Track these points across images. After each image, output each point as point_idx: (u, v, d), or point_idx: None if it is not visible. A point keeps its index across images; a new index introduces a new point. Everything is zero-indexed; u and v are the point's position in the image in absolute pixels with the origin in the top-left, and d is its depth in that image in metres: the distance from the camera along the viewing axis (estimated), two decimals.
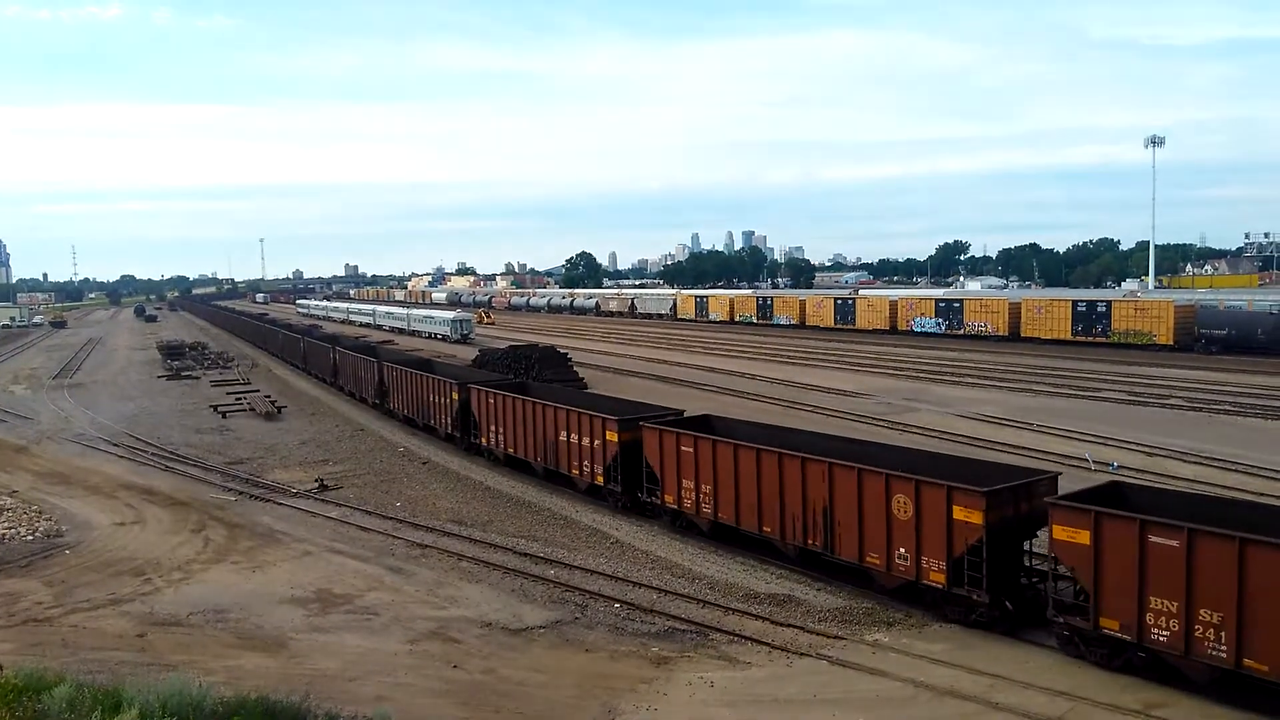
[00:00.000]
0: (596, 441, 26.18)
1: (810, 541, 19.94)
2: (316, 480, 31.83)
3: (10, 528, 26.59)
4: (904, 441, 31.20)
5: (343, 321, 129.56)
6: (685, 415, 26.76)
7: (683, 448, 23.01)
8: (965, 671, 15.73)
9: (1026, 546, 17.59)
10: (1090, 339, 67.04)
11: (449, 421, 35.58)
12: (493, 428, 32.03)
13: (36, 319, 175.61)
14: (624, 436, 25.12)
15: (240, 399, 52.96)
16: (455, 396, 34.75)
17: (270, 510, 28.63)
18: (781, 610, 18.88)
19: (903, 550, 18.00)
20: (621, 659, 16.89)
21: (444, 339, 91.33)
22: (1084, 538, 15.29)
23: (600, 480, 26.30)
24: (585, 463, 26.87)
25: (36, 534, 26.16)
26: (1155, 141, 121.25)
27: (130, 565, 23.22)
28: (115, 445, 40.29)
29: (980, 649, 16.66)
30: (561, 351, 57.78)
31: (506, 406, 31.12)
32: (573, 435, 27.18)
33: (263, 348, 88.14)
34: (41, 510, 28.69)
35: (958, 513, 16.94)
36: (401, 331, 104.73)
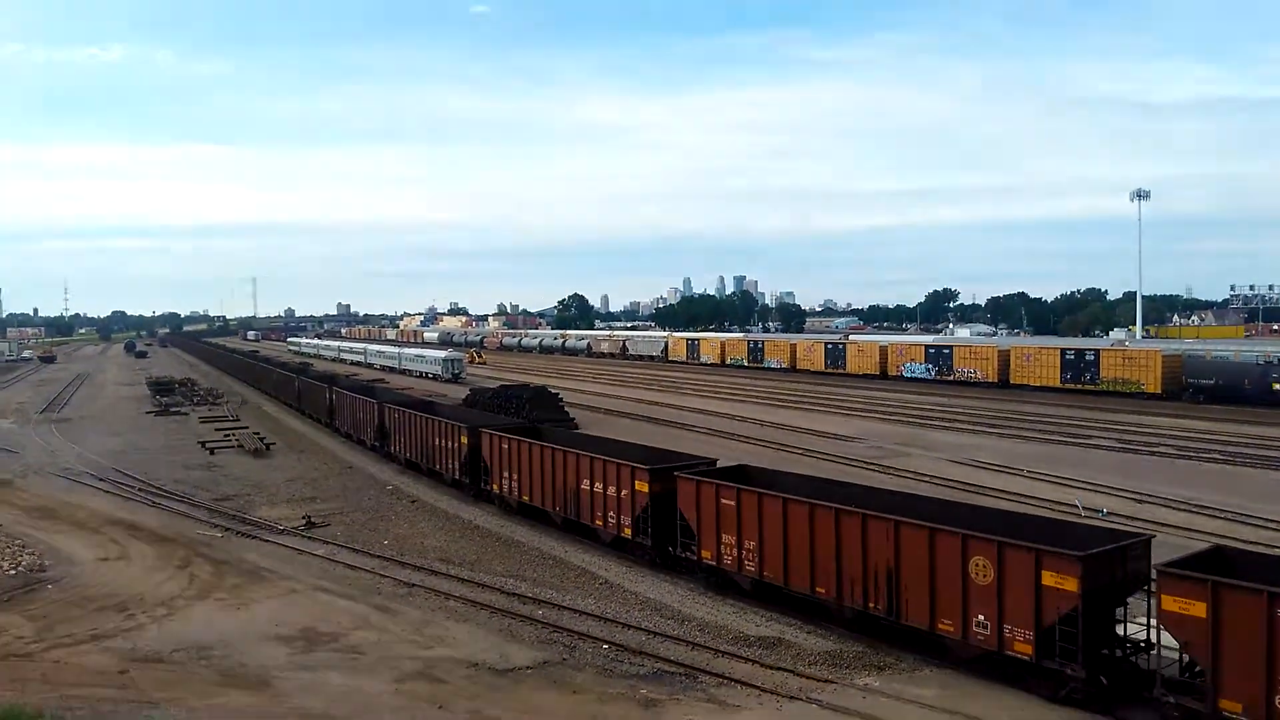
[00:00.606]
0: (624, 491, 24.62)
1: (872, 605, 18.42)
2: (304, 517, 31.61)
3: None
4: (896, 485, 31.27)
5: (334, 360, 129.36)
6: (718, 465, 25.36)
7: (723, 500, 21.47)
8: (957, 717, 15.62)
9: (1117, 615, 16.14)
10: (1079, 386, 67.42)
11: (456, 466, 34.03)
12: (506, 474, 30.54)
13: (25, 353, 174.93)
14: (655, 487, 23.63)
15: (229, 435, 52.70)
16: (464, 440, 33.26)
17: (257, 547, 28.39)
18: (771, 653, 18.75)
19: (981, 617, 16.60)
20: (610, 701, 16.72)
21: (435, 378, 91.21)
22: (1199, 610, 14.03)
23: (628, 533, 24.72)
24: (611, 514, 25.27)
25: (19, 568, 25.86)
26: (1141, 195, 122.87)
27: (114, 601, 22.95)
28: (101, 480, 39.98)
29: (971, 695, 16.56)
30: (553, 391, 57.81)
31: (522, 452, 29.60)
32: (597, 484, 25.64)
33: (254, 385, 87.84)
34: (25, 544, 28.38)
35: (1048, 578, 15.63)
36: (393, 370, 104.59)
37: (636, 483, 24.28)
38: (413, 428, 38.56)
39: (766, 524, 20.57)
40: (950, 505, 21.32)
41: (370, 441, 44.09)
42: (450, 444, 34.49)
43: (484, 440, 32.00)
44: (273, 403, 73.25)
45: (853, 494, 21.36)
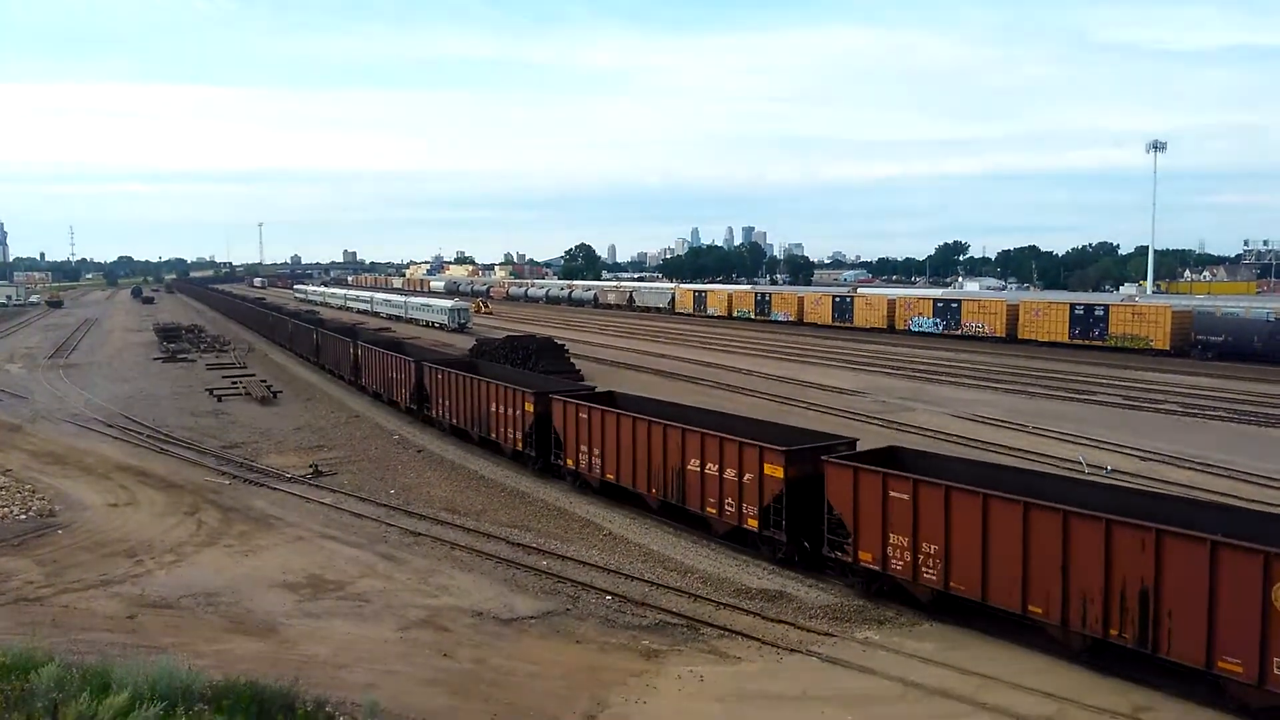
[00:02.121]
0: (748, 476, 21.17)
1: (1114, 632, 15.20)
2: (311, 466, 31.81)
3: (3, 506, 26.57)
4: (901, 440, 31.25)
5: (340, 308, 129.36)
6: (843, 444, 21.58)
7: (893, 493, 18.15)
8: (954, 671, 15.77)
9: None
10: (1087, 342, 67.11)
11: (518, 438, 30.51)
12: (584, 448, 27.07)
13: (33, 298, 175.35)
14: (792, 472, 20.19)
15: (236, 383, 52.89)
16: (530, 408, 29.72)
17: (264, 495, 28.60)
18: (773, 606, 18.90)
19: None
20: (612, 651, 16.90)
21: (441, 327, 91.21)
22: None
23: (752, 524, 21.17)
24: (729, 502, 21.79)
25: (29, 513, 26.13)
26: (1157, 146, 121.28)
27: (123, 547, 23.20)
28: (110, 426, 40.22)
29: (970, 649, 16.70)
30: (559, 343, 57.72)
31: (607, 425, 26.02)
32: (710, 465, 22.27)
33: (262, 333, 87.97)
34: (35, 489, 28.65)
35: None
36: (399, 319, 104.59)
37: (767, 466, 20.69)
38: (462, 392, 34.60)
39: (957, 525, 17.10)
40: (1195, 504, 17.88)
41: (406, 404, 40.38)
42: (512, 411, 30.78)
43: (556, 409, 28.30)
44: (280, 350, 73.39)
45: (1064, 492, 17.48)
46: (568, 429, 27.77)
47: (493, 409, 32.09)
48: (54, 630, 17.34)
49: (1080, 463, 30.14)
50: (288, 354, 70.05)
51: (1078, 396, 45.45)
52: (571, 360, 55.04)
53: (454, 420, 35.55)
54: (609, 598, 19.58)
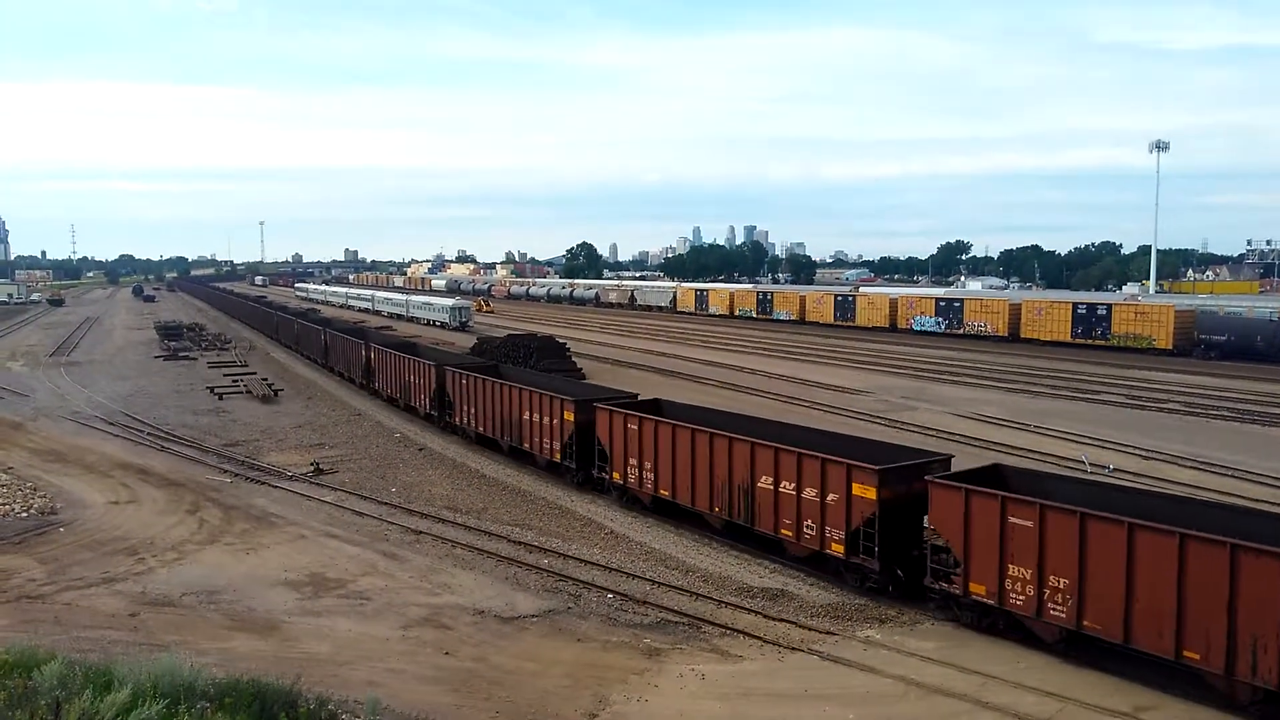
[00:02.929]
0: (833, 496, 19.27)
1: (1266, 674, 13.51)
2: (312, 464, 31.81)
3: (5, 504, 26.57)
4: (901, 439, 31.20)
5: (341, 306, 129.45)
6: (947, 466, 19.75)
7: (1014, 519, 16.22)
8: (956, 670, 15.75)
9: None
10: (1090, 342, 67.05)
11: (555, 449, 28.56)
12: (633, 462, 25.03)
13: (34, 296, 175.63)
14: (886, 493, 18.34)
15: (237, 381, 52.91)
16: (570, 418, 27.75)
17: (265, 493, 28.61)
18: (774, 605, 18.89)
19: None
20: (614, 650, 16.89)
21: (443, 326, 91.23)
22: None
23: (837, 549, 19.28)
24: (810, 523, 19.85)
25: (31, 511, 26.14)
26: (1160, 146, 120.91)
27: (124, 544, 23.20)
28: (111, 424, 40.25)
29: (971, 648, 16.68)
30: (560, 341, 57.74)
31: (662, 437, 23.96)
32: (787, 484, 20.26)
33: (263, 331, 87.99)
34: (36, 487, 28.67)
35: None
36: (400, 317, 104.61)
37: (856, 486, 18.81)
38: (490, 398, 32.47)
39: (1094, 556, 15.27)
40: None
41: (425, 410, 38.37)
42: (549, 420, 28.74)
43: (601, 419, 26.28)
44: (282, 349, 73.41)
45: (1194, 515, 15.83)
46: (614, 440, 25.67)
47: (526, 417, 30.01)
48: (56, 628, 17.36)
49: (1084, 462, 30.11)
50: (289, 352, 70.05)
51: (1080, 396, 45.40)
52: (573, 359, 55.03)
53: (480, 428, 33.43)
54: (611, 596, 19.57)
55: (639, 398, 29.06)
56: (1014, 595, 16.39)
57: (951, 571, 17.41)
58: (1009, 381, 50.62)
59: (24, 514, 25.87)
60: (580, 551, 22.50)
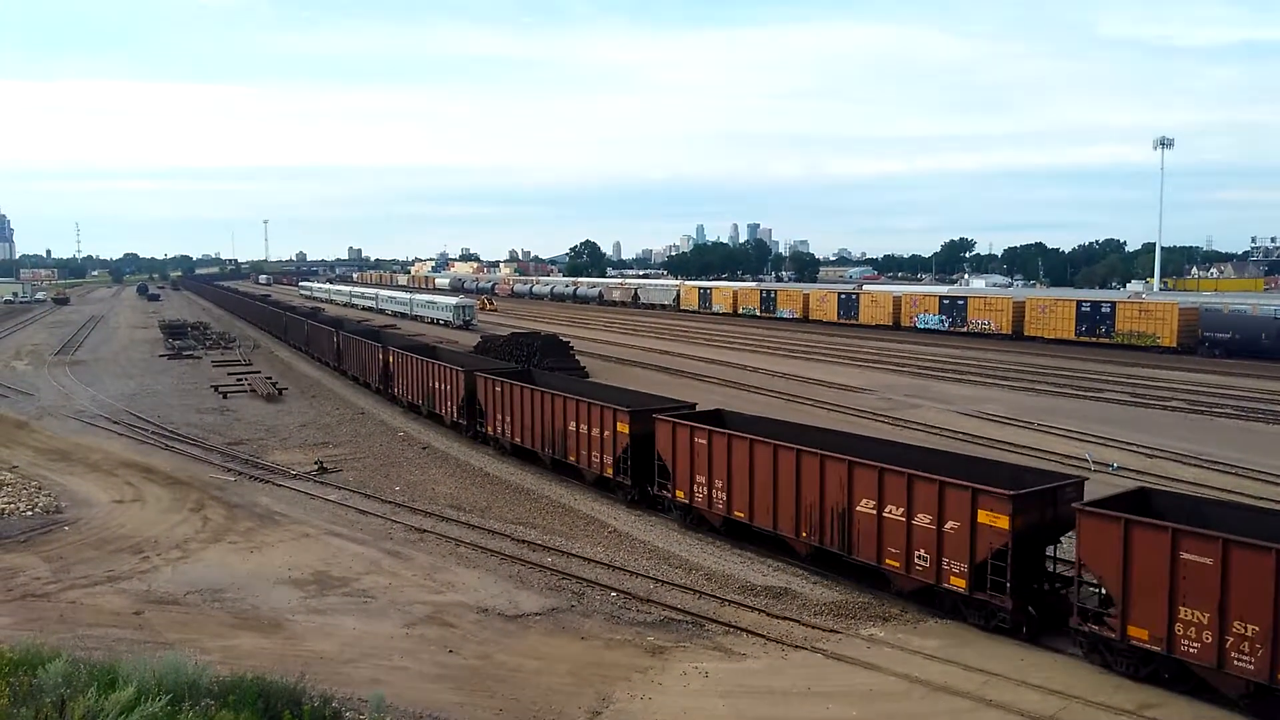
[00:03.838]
0: (954, 525, 17.17)
1: None
2: (316, 463, 31.86)
3: (10, 503, 26.65)
4: (904, 438, 31.16)
5: (345, 305, 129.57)
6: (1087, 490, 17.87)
7: (1187, 554, 14.22)
8: (959, 668, 15.74)
9: None
10: (1094, 339, 66.94)
11: (607, 463, 26.46)
12: (699, 479, 22.88)
13: (39, 295, 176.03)
14: (1019, 522, 16.40)
15: (241, 380, 53.00)
16: (625, 429, 25.53)
17: (269, 491, 28.66)
18: (778, 603, 18.89)
19: None
20: (617, 647, 16.91)
21: (446, 324, 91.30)
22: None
23: (958, 584, 17.14)
24: (923, 554, 17.74)
25: (36, 510, 26.22)
26: (1165, 143, 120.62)
27: (129, 543, 23.27)
28: (115, 423, 40.34)
29: (974, 646, 16.67)
30: (564, 340, 57.77)
31: (737, 453, 21.74)
32: (894, 509, 18.22)
33: (267, 330, 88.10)
34: (41, 486, 28.75)
35: None
36: (404, 316, 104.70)
37: (983, 513, 16.74)
38: (529, 407, 30.27)
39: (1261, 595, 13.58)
40: None
41: (452, 418, 36.39)
42: (599, 432, 26.60)
43: (662, 431, 24.05)
44: (286, 348, 73.50)
45: None
46: (678, 455, 23.42)
47: (572, 428, 27.73)
48: (61, 626, 17.42)
49: (1087, 460, 30.08)
50: (294, 351, 70.13)
51: (1084, 394, 45.33)
52: (577, 358, 55.05)
53: (517, 439, 31.16)
54: (614, 594, 19.58)
55: (698, 408, 26.69)
56: (1186, 643, 14.35)
57: (1106, 613, 15.45)
58: (1013, 379, 50.55)
59: (29, 513, 25.95)
60: (583, 550, 22.52)
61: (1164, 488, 20.77)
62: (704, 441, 22.63)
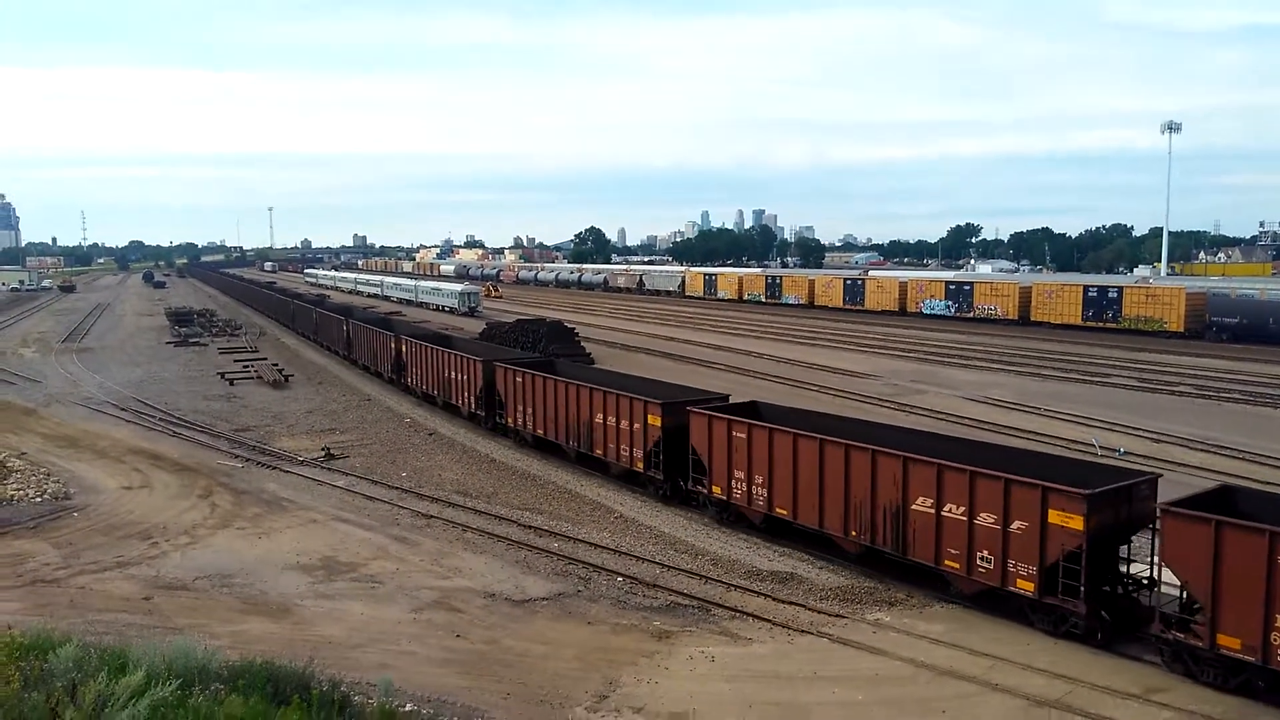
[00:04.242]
0: (1021, 524, 16.19)
1: None
2: (323, 449, 31.94)
3: (19, 489, 26.79)
4: (911, 423, 31.10)
5: (350, 292, 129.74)
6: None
7: None
8: (965, 652, 15.77)
9: None
10: (1100, 324, 66.73)
11: (637, 457, 25.34)
12: (738, 474, 21.87)
13: (45, 283, 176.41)
14: (1094, 522, 15.44)
15: (248, 366, 53.12)
16: (656, 422, 24.48)
17: (277, 478, 28.77)
18: (784, 588, 18.93)
19: None
20: (624, 632, 16.97)
21: (451, 311, 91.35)
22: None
23: (1025, 586, 16.28)
24: (986, 554, 16.78)
25: (45, 496, 26.35)
26: (1172, 127, 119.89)
27: (137, 529, 23.39)
28: (123, 410, 40.48)
29: (980, 631, 16.70)
30: (569, 326, 57.77)
31: (779, 447, 20.76)
32: (954, 507, 17.24)
33: (272, 316, 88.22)
34: (50, 473, 28.88)
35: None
36: (409, 303, 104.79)
37: (1054, 513, 15.77)
38: (552, 399, 29.17)
39: None
40: None
41: (470, 409, 35.34)
42: (629, 425, 25.61)
43: (696, 425, 23.15)
44: (292, 334, 73.61)
45: None
46: (714, 449, 22.53)
47: (599, 420, 26.76)
48: (71, 611, 17.54)
49: (1094, 445, 30.03)
50: (300, 338, 70.22)
51: (1091, 379, 45.23)
52: (582, 344, 55.06)
53: (539, 431, 30.23)
54: (620, 579, 19.64)
55: (728, 397, 25.84)
56: None
57: (1190, 620, 14.67)
58: (1019, 365, 50.44)
59: (38, 499, 26.09)
60: (590, 535, 22.58)
61: (1248, 485, 19.54)
62: (743, 435, 21.68)
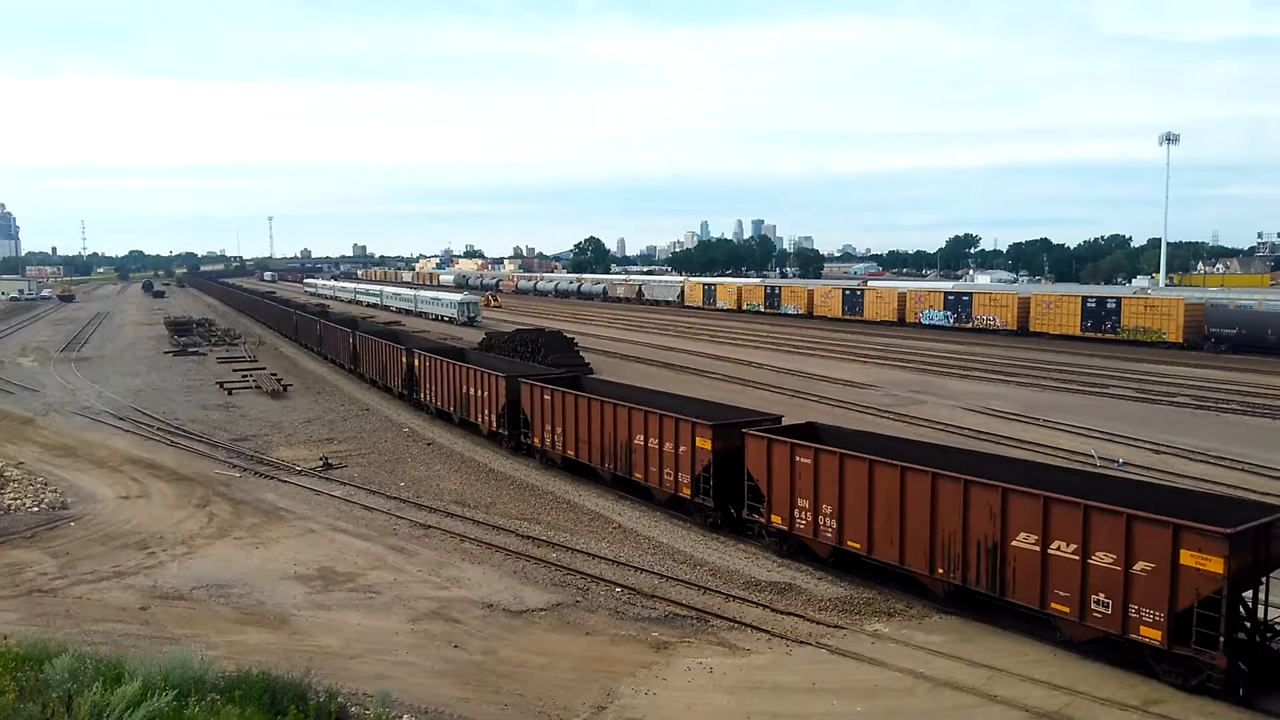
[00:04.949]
0: (1146, 566, 14.70)
1: None
2: (321, 458, 31.90)
3: (16, 499, 26.72)
4: (912, 434, 31.09)
5: (350, 301, 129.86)
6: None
7: None
8: (964, 663, 15.73)
9: None
10: (1099, 335, 66.78)
11: (683, 482, 23.77)
12: (802, 503, 20.24)
13: (45, 292, 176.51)
14: (1235, 564, 13.98)
15: (246, 376, 53.09)
16: (706, 445, 22.81)
17: (274, 487, 28.72)
18: (782, 598, 18.88)
19: None
20: (622, 643, 16.92)
21: (450, 321, 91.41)
22: None
23: (1151, 635, 14.71)
24: (1102, 597, 15.23)
25: (42, 505, 26.29)
26: (1170, 138, 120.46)
27: (134, 539, 23.33)
28: (121, 419, 40.43)
29: (980, 642, 16.65)
30: (568, 336, 57.78)
31: (852, 475, 19.11)
32: (1064, 544, 15.66)
33: (279, 330, 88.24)
34: (47, 482, 28.82)
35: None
36: (408, 313, 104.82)
37: (1187, 554, 14.24)
38: (584, 419, 27.58)
39: None
40: None
41: (490, 428, 33.60)
42: (673, 448, 23.94)
43: (753, 449, 21.49)
44: (290, 344, 73.59)
45: None
46: (774, 476, 20.87)
47: (639, 442, 25.22)
48: (67, 621, 17.48)
49: (1093, 456, 30.01)
50: (299, 347, 70.20)
51: (1090, 390, 45.24)
52: (581, 354, 55.07)
53: (569, 452, 28.57)
54: (619, 590, 19.59)
55: (781, 419, 24.27)
56: None
57: None
58: (1018, 375, 50.45)
59: (35, 508, 26.02)
60: (588, 545, 22.52)
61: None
62: (808, 461, 19.99)
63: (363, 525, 24.65)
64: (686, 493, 23.76)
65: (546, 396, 29.50)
